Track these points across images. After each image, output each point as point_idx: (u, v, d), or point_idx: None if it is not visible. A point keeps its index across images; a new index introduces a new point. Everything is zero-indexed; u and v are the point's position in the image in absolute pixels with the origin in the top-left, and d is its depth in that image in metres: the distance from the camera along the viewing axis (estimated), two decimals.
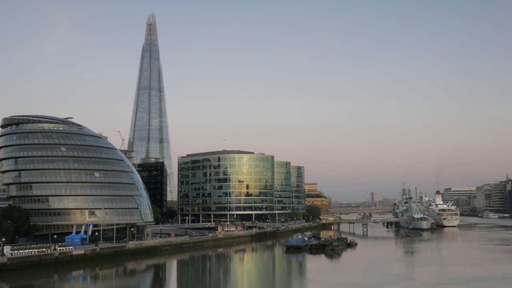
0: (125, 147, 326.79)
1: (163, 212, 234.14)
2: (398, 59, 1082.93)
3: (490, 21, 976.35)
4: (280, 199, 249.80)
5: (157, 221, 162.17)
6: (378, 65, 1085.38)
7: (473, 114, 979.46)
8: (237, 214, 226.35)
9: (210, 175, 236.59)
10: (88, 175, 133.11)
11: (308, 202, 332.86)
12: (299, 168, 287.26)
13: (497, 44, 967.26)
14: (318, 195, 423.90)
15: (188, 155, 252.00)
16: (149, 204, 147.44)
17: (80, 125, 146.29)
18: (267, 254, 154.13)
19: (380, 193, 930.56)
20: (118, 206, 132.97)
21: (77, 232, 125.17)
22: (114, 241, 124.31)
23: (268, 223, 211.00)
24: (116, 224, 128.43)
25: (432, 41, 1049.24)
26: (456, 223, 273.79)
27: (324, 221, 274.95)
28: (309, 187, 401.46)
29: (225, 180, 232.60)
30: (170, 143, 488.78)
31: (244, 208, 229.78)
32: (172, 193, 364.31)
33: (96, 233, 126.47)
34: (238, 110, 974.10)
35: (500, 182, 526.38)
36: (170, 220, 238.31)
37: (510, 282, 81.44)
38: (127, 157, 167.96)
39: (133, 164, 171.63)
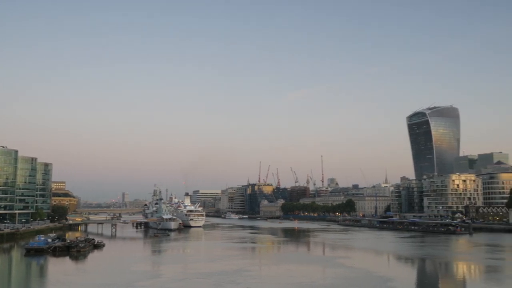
0: None
1: None
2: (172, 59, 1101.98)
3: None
4: (22, 197, 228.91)
5: None
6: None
7: (224, 119, 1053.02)
8: None
9: None
10: None
11: (55, 201, 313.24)
12: (46, 165, 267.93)
13: (266, 45, 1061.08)
14: (66, 194, 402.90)
15: None
16: None
17: None
18: (2, 258, 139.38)
19: (132, 194, 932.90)
20: None
21: None
22: None
23: (7, 224, 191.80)
24: None
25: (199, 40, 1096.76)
26: (201, 223, 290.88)
27: (71, 222, 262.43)
28: (56, 185, 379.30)
29: None
30: None
31: None
32: None
33: None
34: None
35: (242, 186, 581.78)
36: None
37: (244, 274, 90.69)
38: None
39: None
